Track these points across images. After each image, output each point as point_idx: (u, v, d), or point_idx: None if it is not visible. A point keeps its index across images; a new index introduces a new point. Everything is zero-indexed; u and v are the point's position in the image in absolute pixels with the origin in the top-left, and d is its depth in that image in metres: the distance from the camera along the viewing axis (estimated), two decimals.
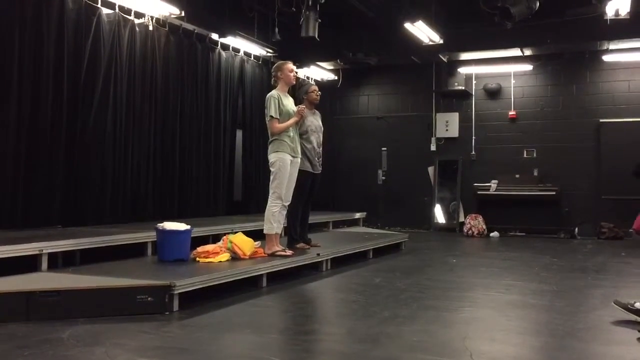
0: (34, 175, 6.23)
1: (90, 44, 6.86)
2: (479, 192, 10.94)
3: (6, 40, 6.02)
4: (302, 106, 6.03)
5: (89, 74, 6.87)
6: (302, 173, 6.09)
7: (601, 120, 10.45)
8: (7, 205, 6.00)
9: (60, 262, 5.29)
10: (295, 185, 5.97)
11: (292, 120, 5.83)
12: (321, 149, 6.50)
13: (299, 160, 6.00)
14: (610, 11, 7.58)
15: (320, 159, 6.47)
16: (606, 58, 10.27)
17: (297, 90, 6.81)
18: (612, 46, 9.95)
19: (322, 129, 6.57)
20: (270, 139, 5.86)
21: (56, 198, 6.47)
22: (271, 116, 5.77)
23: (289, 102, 5.95)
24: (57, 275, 4.73)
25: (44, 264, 4.96)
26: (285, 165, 5.76)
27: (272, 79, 6.04)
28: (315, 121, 6.45)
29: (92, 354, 3.18)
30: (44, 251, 4.96)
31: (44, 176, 6.33)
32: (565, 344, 3.56)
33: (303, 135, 6.22)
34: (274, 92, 5.88)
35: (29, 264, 4.86)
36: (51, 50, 6.43)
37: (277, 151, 5.78)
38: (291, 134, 5.87)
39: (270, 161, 5.81)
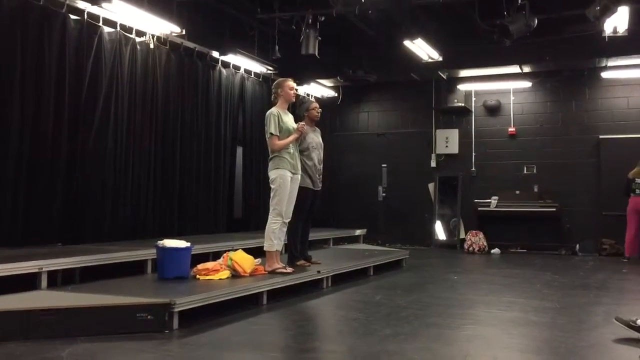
0: (34, 193, 6.23)
1: (91, 62, 6.90)
2: (479, 209, 10.92)
3: (8, 60, 6.05)
4: (302, 123, 6.04)
5: (90, 91, 6.90)
6: (302, 190, 6.09)
7: (601, 137, 10.47)
8: (7, 223, 5.99)
9: (59, 280, 5.27)
10: (296, 202, 5.97)
11: (292, 137, 5.84)
12: (322, 165, 6.50)
13: (299, 177, 6.00)
14: (608, 28, 7.61)
15: (321, 176, 6.48)
16: (605, 75, 10.31)
17: (298, 107, 6.84)
18: (610, 63, 9.99)
19: (323, 145, 6.58)
20: (271, 156, 5.86)
21: (56, 216, 6.47)
22: (271, 133, 5.78)
23: (289, 119, 5.97)
24: (57, 293, 4.71)
25: (44, 282, 4.94)
26: (285, 182, 5.76)
27: (272, 96, 6.06)
28: (315, 138, 6.46)
29: None
30: (44, 269, 4.95)
31: (44, 194, 6.33)
32: None
33: (304, 152, 6.23)
34: (273, 109, 5.90)
35: (28, 282, 4.84)
36: (53, 69, 6.47)
37: (277, 168, 5.79)
38: (291, 151, 5.88)
39: (270, 178, 5.81)
